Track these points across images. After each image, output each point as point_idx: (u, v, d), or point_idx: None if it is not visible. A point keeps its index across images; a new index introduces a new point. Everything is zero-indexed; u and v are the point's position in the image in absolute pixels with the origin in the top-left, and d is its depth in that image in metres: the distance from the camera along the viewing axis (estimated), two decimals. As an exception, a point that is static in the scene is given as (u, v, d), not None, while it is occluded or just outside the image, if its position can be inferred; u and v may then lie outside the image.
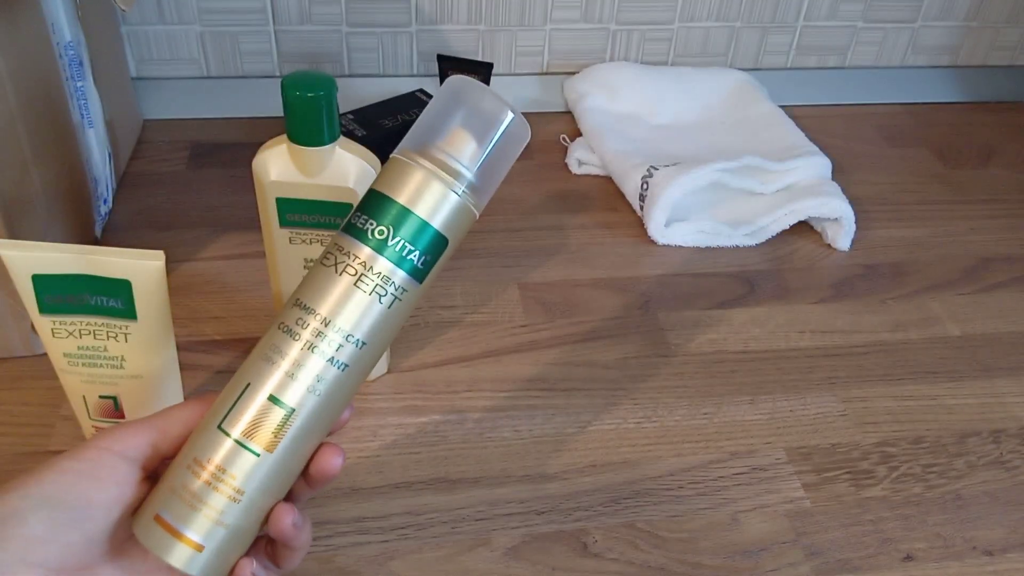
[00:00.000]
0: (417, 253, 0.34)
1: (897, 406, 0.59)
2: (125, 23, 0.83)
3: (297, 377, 0.34)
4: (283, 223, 0.50)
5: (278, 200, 0.49)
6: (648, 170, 0.72)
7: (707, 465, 0.54)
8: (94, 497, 0.33)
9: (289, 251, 0.51)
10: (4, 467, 0.51)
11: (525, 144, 0.36)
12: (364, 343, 0.34)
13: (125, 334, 0.44)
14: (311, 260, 0.52)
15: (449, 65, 0.77)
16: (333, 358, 0.34)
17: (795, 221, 0.73)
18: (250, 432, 0.33)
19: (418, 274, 0.35)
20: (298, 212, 0.50)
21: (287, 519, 0.34)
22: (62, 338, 0.44)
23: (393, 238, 0.34)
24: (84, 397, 0.47)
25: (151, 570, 0.35)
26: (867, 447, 0.56)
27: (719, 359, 0.62)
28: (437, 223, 0.34)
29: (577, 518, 0.50)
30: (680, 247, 0.72)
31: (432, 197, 0.34)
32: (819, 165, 0.75)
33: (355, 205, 0.35)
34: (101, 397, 0.47)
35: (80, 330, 0.44)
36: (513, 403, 0.57)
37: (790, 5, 0.92)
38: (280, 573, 0.37)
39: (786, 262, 0.72)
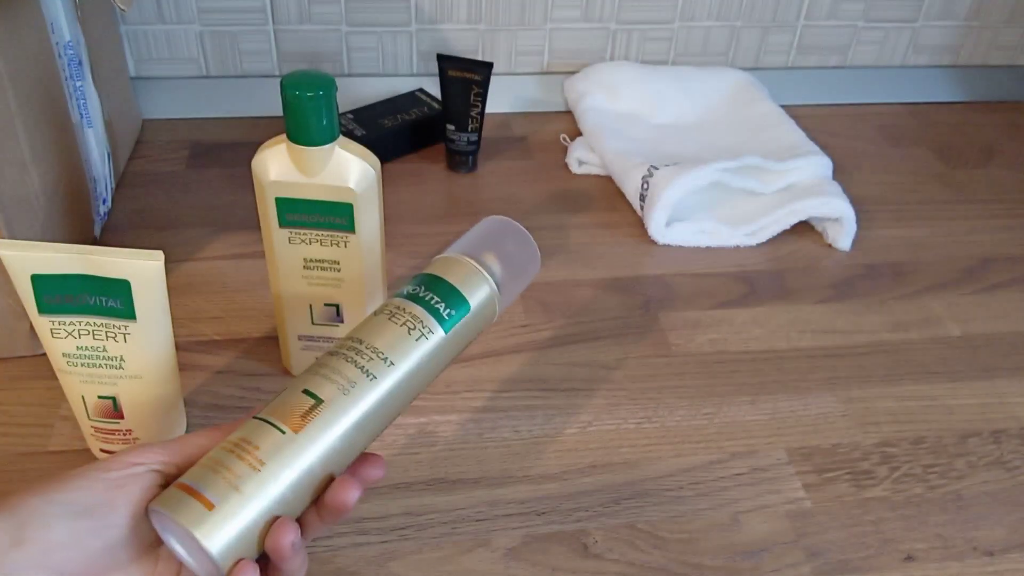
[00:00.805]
0: (454, 315, 0.42)
1: (898, 406, 0.59)
2: (124, 23, 0.83)
3: (328, 376, 0.38)
4: (283, 223, 0.50)
5: (278, 200, 0.49)
6: (648, 170, 0.72)
7: (708, 465, 0.54)
8: (117, 502, 0.34)
9: (289, 251, 0.51)
10: (4, 467, 0.51)
11: (536, 273, 0.48)
12: (392, 362, 0.39)
13: (124, 334, 0.44)
14: (311, 260, 0.52)
15: (449, 65, 0.77)
16: (363, 366, 0.39)
17: (796, 221, 0.72)
18: (279, 414, 0.37)
19: (446, 327, 0.42)
20: (298, 212, 0.50)
21: (288, 537, 0.34)
22: (61, 338, 0.44)
23: (440, 304, 0.42)
24: (83, 397, 0.47)
25: (162, 574, 0.35)
26: (868, 447, 0.56)
27: (720, 359, 0.62)
28: (473, 302, 0.43)
29: (577, 519, 0.50)
30: (680, 247, 0.72)
31: (476, 285, 0.44)
32: (820, 165, 0.75)
33: (420, 281, 0.43)
34: (100, 397, 0.47)
35: (79, 330, 0.44)
36: (513, 403, 0.57)
37: (791, 5, 0.92)
38: None
39: (787, 262, 0.72)
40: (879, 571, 0.49)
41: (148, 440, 0.49)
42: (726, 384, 0.60)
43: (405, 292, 0.43)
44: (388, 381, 0.39)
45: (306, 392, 0.37)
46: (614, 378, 0.60)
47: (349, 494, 0.36)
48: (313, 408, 0.37)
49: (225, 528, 0.34)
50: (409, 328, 0.40)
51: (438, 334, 0.41)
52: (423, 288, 0.42)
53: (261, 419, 0.37)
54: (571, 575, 0.47)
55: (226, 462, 0.35)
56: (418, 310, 0.41)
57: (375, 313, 0.42)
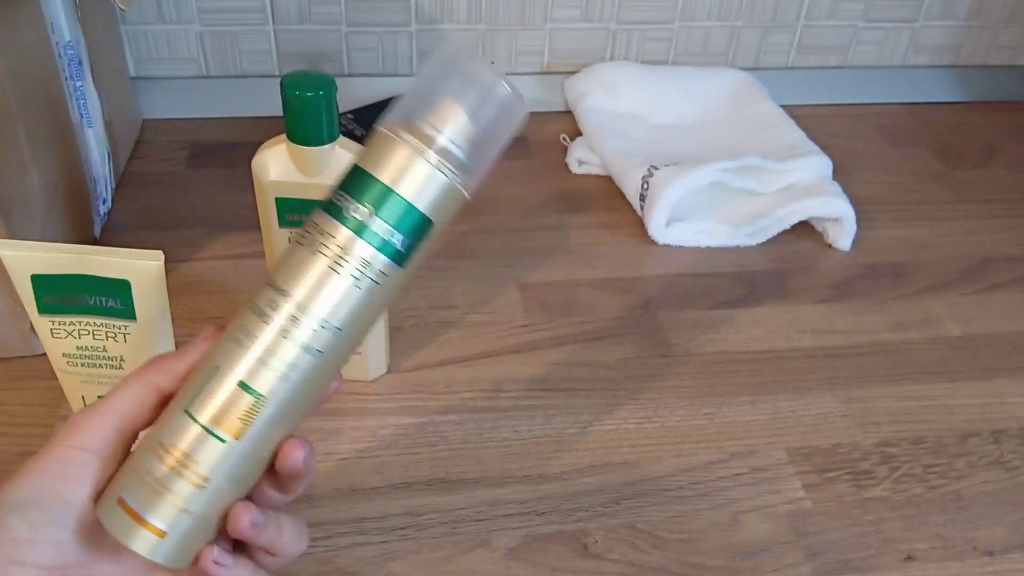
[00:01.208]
0: (400, 236, 0.32)
1: (898, 406, 0.59)
2: (124, 23, 0.83)
3: (268, 363, 0.32)
4: (283, 223, 0.50)
5: (277, 200, 0.49)
6: (648, 170, 0.72)
7: (708, 465, 0.54)
8: (67, 495, 0.33)
9: (289, 251, 0.51)
10: (3, 467, 0.51)
11: (520, 121, 0.33)
12: (340, 329, 0.32)
13: (124, 334, 0.44)
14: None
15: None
16: (307, 345, 0.32)
17: (796, 221, 0.72)
18: (217, 418, 0.32)
19: (400, 258, 0.32)
20: (298, 212, 0.50)
21: (244, 518, 0.33)
22: (61, 338, 0.44)
23: (373, 219, 0.31)
24: (83, 397, 0.47)
25: (149, 564, 0.35)
26: (868, 447, 0.56)
27: (720, 359, 0.62)
28: (422, 205, 0.32)
29: (577, 519, 0.50)
30: (680, 247, 0.72)
31: (418, 176, 0.32)
32: (820, 165, 0.75)
33: (335, 180, 0.33)
34: (100, 397, 0.47)
35: (79, 330, 0.44)
36: (513, 403, 0.57)
37: (791, 4, 0.92)
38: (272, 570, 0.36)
39: (787, 262, 0.72)
40: (879, 571, 0.49)
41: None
42: (726, 384, 0.60)
43: (327, 203, 0.32)
44: (337, 350, 0.33)
45: (242, 386, 0.32)
46: (614, 378, 0.60)
47: (294, 455, 0.33)
48: (253, 409, 0.32)
49: (182, 549, 0.33)
50: (357, 280, 0.32)
51: (393, 276, 0.33)
52: (346, 194, 0.32)
53: (192, 419, 0.32)
54: (571, 575, 0.47)
55: (167, 482, 0.32)
56: (367, 251, 0.32)
57: (296, 241, 0.32)
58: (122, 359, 0.45)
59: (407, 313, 0.63)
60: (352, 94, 0.85)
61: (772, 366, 0.61)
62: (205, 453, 0.32)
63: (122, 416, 0.34)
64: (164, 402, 0.34)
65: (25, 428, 0.53)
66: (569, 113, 0.88)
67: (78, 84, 0.64)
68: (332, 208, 0.32)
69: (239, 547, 0.35)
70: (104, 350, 0.45)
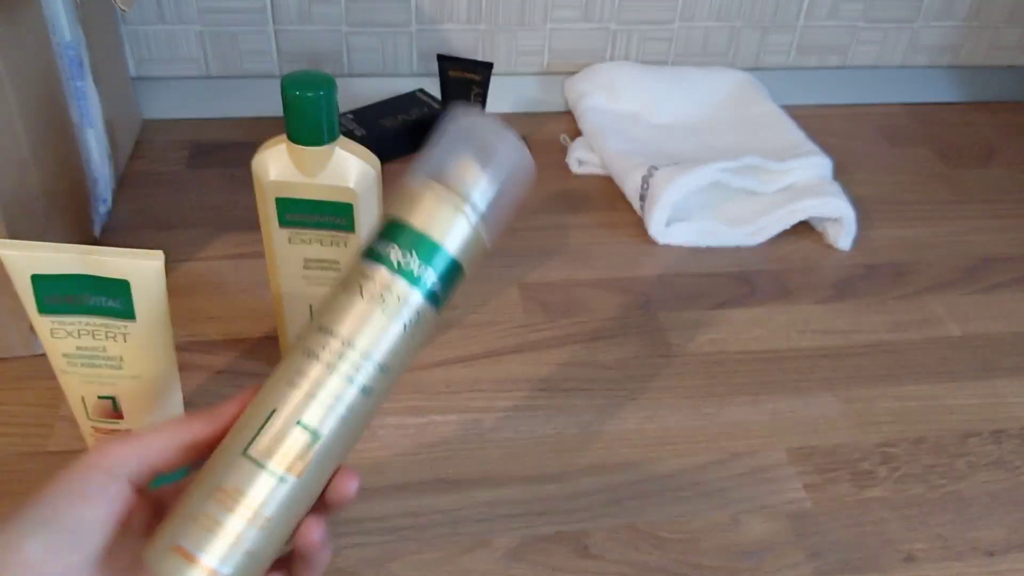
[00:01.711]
0: (436, 280, 0.35)
1: (898, 406, 0.59)
2: (125, 23, 0.83)
3: (324, 402, 0.33)
4: (283, 223, 0.50)
5: (278, 200, 0.49)
6: (648, 170, 0.72)
7: (708, 466, 0.54)
8: (86, 516, 0.33)
9: (289, 251, 0.51)
10: (3, 467, 0.51)
11: (530, 178, 0.37)
12: (385, 366, 0.34)
13: (124, 334, 0.44)
14: (311, 260, 0.52)
15: (449, 65, 0.76)
16: (359, 383, 0.34)
17: (796, 221, 0.72)
18: (279, 459, 0.33)
19: (435, 300, 0.35)
20: (298, 212, 0.49)
21: (315, 533, 0.34)
22: (61, 338, 0.44)
23: (414, 262, 0.34)
24: (83, 397, 0.47)
25: None
26: (868, 447, 0.56)
27: (720, 359, 0.62)
28: (456, 253, 0.35)
29: (578, 519, 0.50)
30: (680, 247, 0.72)
31: (454, 227, 0.35)
32: (820, 165, 0.75)
33: (373, 231, 0.36)
34: (100, 397, 0.47)
35: (79, 330, 0.44)
36: (513, 404, 0.57)
37: (790, 5, 0.92)
38: None
39: (787, 262, 0.72)
40: (880, 571, 0.49)
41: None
42: (726, 384, 0.60)
43: (388, 261, 0.35)
44: (382, 389, 0.35)
45: (301, 426, 0.33)
46: (614, 378, 0.60)
47: (350, 486, 0.35)
48: (311, 445, 0.33)
49: None
50: (399, 319, 0.34)
51: (429, 317, 0.35)
52: (415, 260, 0.35)
53: (253, 461, 0.33)
54: (571, 575, 0.47)
55: (226, 523, 0.32)
56: (409, 292, 0.34)
57: (338, 286, 0.35)
58: (122, 359, 0.45)
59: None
60: (352, 94, 0.85)
61: (772, 366, 0.61)
62: (268, 494, 0.33)
63: (151, 451, 0.34)
64: (193, 449, 0.35)
65: (25, 428, 0.53)
66: (569, 113, 0.88)
67: (78, 84, 0.64)
68: (374, 254, 0.35)
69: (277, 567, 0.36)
70: (104, 350, 0.45)
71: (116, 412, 0.47)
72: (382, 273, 0.34)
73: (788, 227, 0.73)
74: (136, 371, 0.46)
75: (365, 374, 0.34)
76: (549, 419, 0.56)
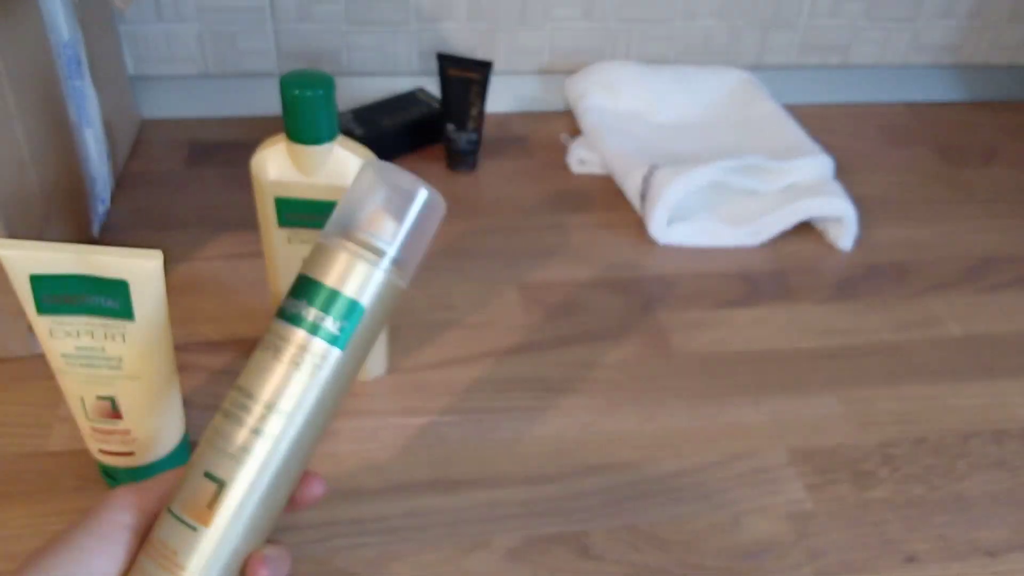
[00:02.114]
0: (349, 329, 0.35)
1: (899, 407, 0.59)
2: (123, 22, 0.83)
3: (224, 450, 0.35)
4: (282, 223, 0.50)
5: (277, 199, 0.49)
6: (649, 169, 0.72)
7: (709, 466, 0.54)
8: (105, 571, 0.34)
9: (288, 251, 0.51)
10: (3, 467, 0.51)
11: (441, 216, 0.38)
12: (284, 410, 0.35)
13: (123, 334, 0.44)
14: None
15: (449, 64, 0.76)
16: (256, 428, 0.35)
17: (797, 221, 0.72)
18: (187, 504, 0.34)
19: (349, 345, 0.36)
20: (297, 211, 0.49)
21: (261, 572, 0.35)
22: (60, 338, 0.44)
23: (327, 322, 0.35)
24: (82, 398, 0.47)
25: None
26: (869, 448, 0.56)
27: (721, 359, 0.62)
28: (367, 301, 0.36)
29: (578, 520, 0.50)
30: (681, 247, 0.72)
31: (364, 278, 0.36)
32: (821, 164, 0.75)
33: (290, 290, 0.37)
34: (99, 398, 0.47)
35: (78, 330, 0.44)
36: (513, 404, 0.57)
37: (792, 3, 0.92)
38: None
39: (788, 262, 0.71)
40: (881, 572, 0.48)
41: (145, 441, 0.48)
42: (727, 384, 0.60)
43: (283, 311, 0.36)
44: (288, 432, 0.35)
45: (207, 476, 0.34)
46: (615, 378, 0.59)
47: (315, 489, 0.37)
48: (217, 494, 0.34)
49: None
50: (296, 362, 0.35)
51: (332, 356, 0.35)
52: (300, 300, 0.36)
53: (172, 514, 0.35)
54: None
55: (152, 574, 0.34)
56: (300, 336, 0.35)
57: (260, 347, 0.36)
58: (121, 359, 0.45)
59: (406, 313, 0.63)
60: (352, 93, 0.84)
61: (773, 366, 0.61)
62: (178, 539, 0.34)
63: (164, 500, 0.36)
64: None
65: (24, 429, 0.53)
66: (569, 112, 0.87)
67: (76, 83, 0.64)
68: (290, 316, 0.36)
69: None
70: (103, 350, 0.44)
71: (115, 412, 0.47)
72: (299, 336, 0.35)
73: (789, 227, 0.72)
74: (135, 371, 0.45)
75: (263, 420, 0.35)
76: (549, 419, 0.56)
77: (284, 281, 0.53)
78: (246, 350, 0.59)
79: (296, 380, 0.35)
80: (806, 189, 0.73)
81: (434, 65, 0.85)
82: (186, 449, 0.51)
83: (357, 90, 0.85)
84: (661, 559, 0.48)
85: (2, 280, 0.50)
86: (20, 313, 0.53)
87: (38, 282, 0.42)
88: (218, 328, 0.61)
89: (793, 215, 0.72)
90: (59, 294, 0.43)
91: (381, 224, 0.36)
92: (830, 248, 0.73)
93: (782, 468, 0.54)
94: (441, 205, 0.37)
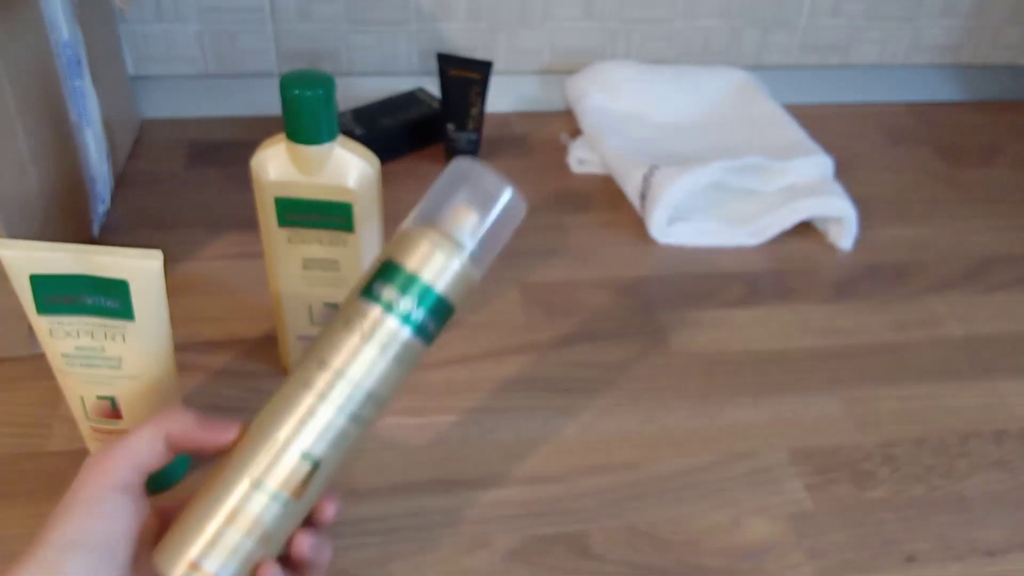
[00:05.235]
0: (424, 315, 0.38)
1: (900, 407, 0.59)
2: (123, 22, 0.83)
3: (319, 429, 0.36)
4: (282, 223, 0.50)
5: (277, 199, 0.49)
6: (649, 169, 0.72)
7: (709, 466, 0.54)
8: (112, 534, 0.35)
9: (288, 251, 0.51)
10: (2, 467, 0.51)
11: (521, 218, 0.40)
12: (375, 396, 0.37)
13: (123, 334, 0.44)
14: (310, 260, 0.51)
15: (449, 64, 0.76)
16: (347, 409, 0.37)
17: (797, 220, 0.72)
18: (282, 481, 0.36)
19: (424, 334, 0.38)
20: (297, 211, 0.49)
21: (306, 545, 0.38)
22: (60, 338, 0.44)
23: (403, 302, 0.37)
24: (82, 397, 0.47)
25: None
26: (869, 448, 0.56)
27: (721, 359, 0.62)
28: (442, 290, 0.38)
29: (578, 520, 0.50)
30: (681, 247, 0.72)
31: (441, 267, 0.38)
32: (821, 164, 0.75)
33: (371, 270, 0.38)
34: (99, 397, 0.47)
35: (78, 330, 0.44)
36: (513, 404, 0.57)
37: (792, 3, 0.92)
38: None
39: (788, 262, 0.71)
40: (881, 572, 0.48)
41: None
42: (727, 384, 0.60)
43: (362, 289, 0.38)
44: (372, 417, 0.38)
45: (304, 456, 0.36)
46: (615, 378, 0.59)
47: (332, 508, 0.39)
48: (312, 473, 0.37)
49: None
50: (399, 359, 0.37)
51: (419, 350, 0.38)
52: (380, 281, 0.37)
53: (263, 490, 0.36)
54: (572, 576, 0.47)
55: (239, 545, 0.36)
56: (403, 332, 0.37)
57: (353, 332, 0.37)
58: (121, 359, 0.45)
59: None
60: (352, 93, 0.84)
61: (773, 366, 0.61)
62: (268, 513, 0.36)
63: (138, 455, 0.37)
64: (173, 443, 0.38)
65: (24, 428, 0.53)
66: (569, 112, 0.87)
67: (76, 83, 0.64)
68: (370, 292, 0.38)
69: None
70: (103, 350, 0.44)
71: (115, 412, 0.47)
72: (376, 311, 0.37)
73: (789, 227, 0.72)
74: (135, 371, 0.45)
75: (357, 403, 0.37)
76: (549, 419, 0.56)
77: (284, 281, 0.53)
78: (246, 350, 0.59)
79: (391, 370, 0.37)
80: (806, 189, 0.73)
81: (434, 65, 0.85)
82: (186, 449, 0.50)
83: (357, 90, 0.85)
84: (661, 559, 0.48)
85: (2, 280, 0.50)
86: (20, 313, 0.53)
87: (38, 282, 0.42)
88: (218, 328, 0.61)
89: (793, 215, 0.72)
90: (59, 294, 0.43)
91: (464, 218, 0.38)
92: (830, 248, 0.73)
93: (782, 468, 0.54)
94: (522, 206, 0.40)
